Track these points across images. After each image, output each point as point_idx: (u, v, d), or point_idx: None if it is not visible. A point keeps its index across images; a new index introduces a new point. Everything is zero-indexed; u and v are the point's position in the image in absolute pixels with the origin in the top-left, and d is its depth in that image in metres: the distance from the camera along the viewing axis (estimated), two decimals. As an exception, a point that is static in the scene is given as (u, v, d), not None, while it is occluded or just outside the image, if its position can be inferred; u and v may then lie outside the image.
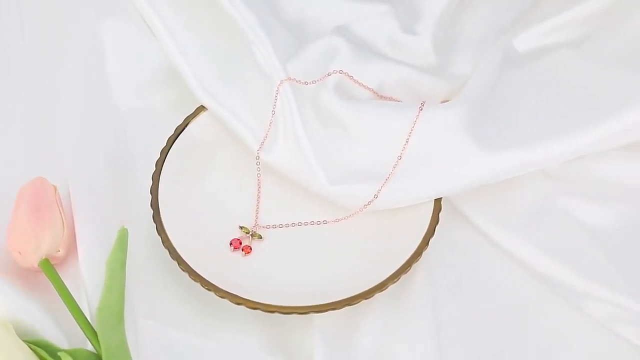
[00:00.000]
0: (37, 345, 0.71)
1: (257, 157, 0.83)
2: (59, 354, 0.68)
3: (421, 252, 0.76)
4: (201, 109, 0.86)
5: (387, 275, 0.74)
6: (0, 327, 0.70)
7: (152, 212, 0.79)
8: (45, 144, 0.86)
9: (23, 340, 0.70)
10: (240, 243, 0.80)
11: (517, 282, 0.79)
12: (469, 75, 0.86)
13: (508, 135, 0.80)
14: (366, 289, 0.74)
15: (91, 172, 0.82)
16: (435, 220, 0.78)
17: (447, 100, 0.86)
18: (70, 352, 0.69)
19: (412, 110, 0.81)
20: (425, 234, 0.77)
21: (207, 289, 0.74)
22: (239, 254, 0.80)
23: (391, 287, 0.74)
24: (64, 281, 0.74)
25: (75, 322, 0.72)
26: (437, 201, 0.79)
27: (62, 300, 0.73)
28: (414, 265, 0.75)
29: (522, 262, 0.79)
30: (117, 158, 0.86)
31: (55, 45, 0.92)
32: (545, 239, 0.79)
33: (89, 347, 0.72)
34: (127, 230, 0.72)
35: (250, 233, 0.81)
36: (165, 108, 0.90)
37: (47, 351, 0.70)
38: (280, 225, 0.81)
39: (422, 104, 0.81)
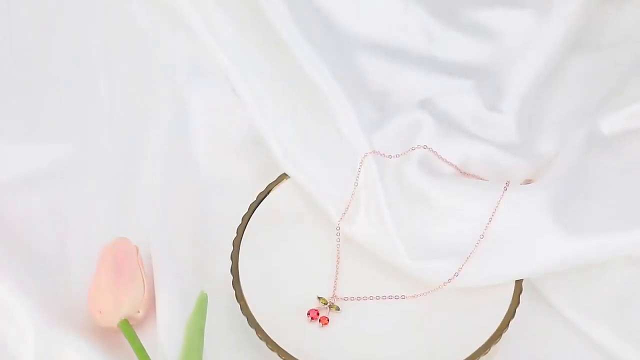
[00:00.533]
0: (114, 406, 0.71)
1: (338, 228, 0.83)
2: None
3: (501, 334, 0.75)
4: (284, 176, 0.87)
5: (466, 356, 0.73)
6: (79, 386, 0.71)
7: (232, 278, 0.79)
8: (129, 205, 0.88)
9: (100, 401, 0.71)
10: (318, 314, 0.80)
11: (598, 369, 0.78)
12: (554, 156, 0.86)
13: (593, 220, 0.79)
14: (444, 368, 0.73)
15: (173, 235, 0.83)
16: (515, 302, 0.77)
17: (530, 180, 0.85)
18: (146, 416, 0.69)
19: (496, 190, 0.80)
20: (505, 316, 0.76)
21: (284, 359, 0.74)
22: (316, 324, 0.79)
23: (469, 368, 0.74)
24: (142, 343, 0.74)
25: (152, 385, 0.72)
26: (519, 282, 0.78)
27: (139, 362, 0.73)
28: (493, 347, 0.74)
29: (605, 350, 0.78)
30: (199, 222, 0.87)
31: (142, 107, 0.93)
32: (630, 327, 0.77)
33: (165, 410, 0.72)
34: (206, 295, 0.73)
35: (328, 304, 0.80)
36: (248, 175, 0.91)
37: (123, 413, 0.71)
38: (358, 298, 0.81)
39: (507, 184, 0.81)
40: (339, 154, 0.86)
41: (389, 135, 0.86)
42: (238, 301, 0.78)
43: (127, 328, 0.75)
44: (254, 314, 0.77)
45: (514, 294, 0.78)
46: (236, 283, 0.79)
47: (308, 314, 0.80)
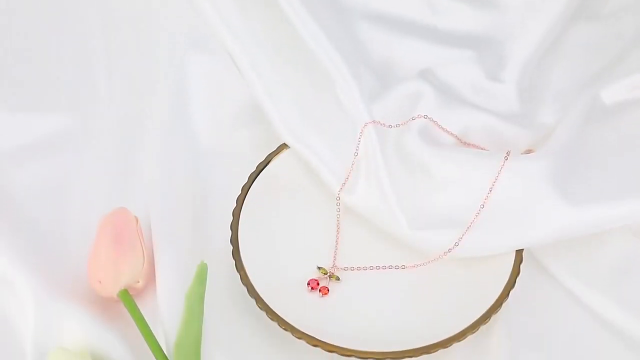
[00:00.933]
0: (114, 375, 0.71)
1: (338, 198, 0.83)
2: (137, 386, 0.68)
3: (501, 304, 0.75)
4: (283, 146, 0.86)
5: (466, 325, 0.74)
6: (79, 356, 0.70)
7: (231, 248, 0.79)
8: (128, 176, 0.87)
9: (100, 370, 0.71)
10: (318, 284, 0.80)
11: (599, 339, 0.77)
12: (554, 126, 0.86)
13: (593, 189, 0.79)
14: (444, 337, 0.73)
15: (173, 205, 0.83)
16: (516, 272, 0.77)
17: (531, 150, 0.85)
18: (146, 385, 0.69)
19: (497, 160, 0.80)
20: (506, 285, 0.76)
21: (284, 328, 0.74)
22: (316, 294, 0.79)
23: (469, 337, 0.73)
24: (142, 312, 0.74)
25: (152, 354, 0.72)
26: (519, 252, 0.78)
27: (139, 332, 0.73)
28: (493, 317, 0.74)
29: (604, 319, 0.78)
30: (199, 193, 0.86)
31: (141, 80, 0.93)
32: (629, 297, 0.77)
33: (165, 380, 0.72)
34: (206, 265, 0.73)
35: (328, 274, 0.80)
36: (247, 145, 0.90)
37: (123, 382, 0.71)
38: (358, 268, 0.81)
39: (508, 154, 0.80)
40: (339, 124, 0.85)
41: (389, 105, 0.86)
42: (238, 271, 0.77)
43: (127, 298, 0.75)
44: (253, 284, 0.77)
45: (514, 263, 0.78)
46: (236, 253, 0.79)
47: (308, 284, 0.80)
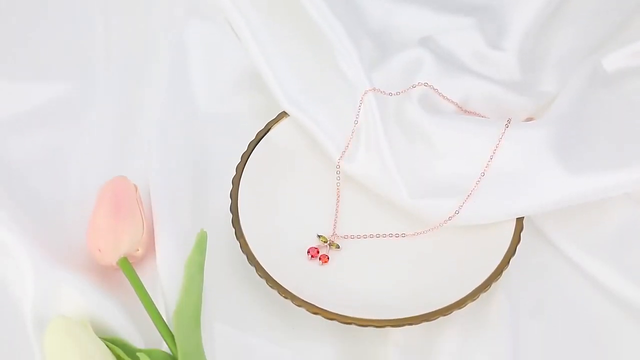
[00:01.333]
0: (114, 343, 0.71)
1: (338, 166, 0.83)
2: (137, 353, 0.68)
3: (501, 271, 0.75)
4: (283, 114, 0.86)
5: (467, 293, 0.73)
6: (78, 324, 0.70)
7: (231, 216, 0.79)
8: (128, 144, 0.87)
9: (100, 338, 0.71)
10: (318, 252, 0.80)
11: (598, 306, 0.78)
12: (556, 94, 0.85)
13: (594, 157, 0.79)
14: (444, 305, 0.73)
15: (172, 173, 0.82)
16: (516, 239, 0.77)
17: (532, 118, 0.85)
18: (147, 352, 0.69)
19: (497, 127, 0.80)
20: (506, 253, 0.76)
21: (284, 296, 0.74)
22: (316, 262, 0.79)
23: (470, 305, 0.73)
24: (141, 281, 0.74)
25: (152, 322, 0.72)
26: (519, 220, 0.78)
27: (139, 300, 0.73)
28: (493, 284, 0.74)
29: (605, 287, 0.78)
30: (198, 161, 0.86)
31: (140, 47, 0.93)
32: (629, 264, 0.77)
33: (164, 347, 0.72)
34: (206, 233, 0.73)
35: (328, 242, 0.80)
36: (247, 113, 0.90)
37: (123, 350, 0.71)
38: (358, 236, 0.81)
39: (509, 121, 0.80)
40: (339, 92, 0.85)
41: (389, 72, 0.86)
42: (238, 239, 0.77)
43: (127, 266, 0.75)
44: (253, 252, 0.76)
45: (514, 231, 0.77)
46: (236, 221, 0.78)
47: (308, 252, 0.80)
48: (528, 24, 0.91)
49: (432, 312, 0.72)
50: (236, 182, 0.81)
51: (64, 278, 0.74)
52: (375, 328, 0.73)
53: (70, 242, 0.79)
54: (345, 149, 0.83)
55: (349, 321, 0.72)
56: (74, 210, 0.82)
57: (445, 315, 0.73)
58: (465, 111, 0.85)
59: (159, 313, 0.72)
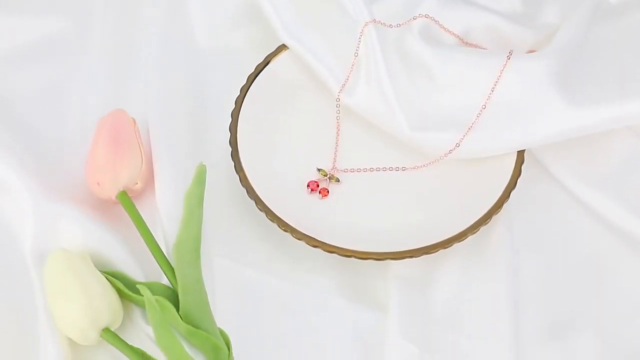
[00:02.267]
0: (114, 276, 0.71)
1: (338, 99, 0.82)
2: (137, 286, 0.68)
3: (502, 204, 0.75)
4: (282, 47, 0.85)
5: (467, 226, 0.73)
6: (78, 258, 0.71)
7: (230, 149, 0.78)
8: (126, 79, 0.87)
9: (100, 271, 0.71)
10: (318, 185, 0.79)
11: (599, 239, 0.78)
12: (558, 26, 0.84)
13: (596, 90, 0.79)
14: (445, 238, 0.73)
15: (171, 107, 0.82)
16: (517, 172, 0.77)
17: (533, 50, 0.84)
18: (146, 285, 0.69)
19: (499, 59, 0.79)
20: (507, 186, 0.76)
21: (283, 230, 0.74)
22: (316, 196, 0.79)
23: (470, 238, 0.73)
24: (141, 214, 0.74)
25: (151, 256, 0.72)
26: (520, 153, 0.78)
27: (138, 233, 0.73)
28: (494, 217, 0.74)
29: (604, 219, 0.78)
30: (197, 94, 0.86)
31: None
32: (629, 196, 0.78)
33: (164, 280, 0.72)
34: (205, 166, 0.72)
35: (328, 176, 0.80)
36: (246, 47, 0.89)
37: (123, 283, 0.71)
38: (359, 170, 0.80)
39: (510, 53, 0.79)
40: (338, 24, 0.84)
41: (390, 4, 0.84)
42: (237, 173, 0.77)
43: (126, 199, 0.75)
44: (253, 185, 0.76)
45: (515, 164, 0.77)
46: (235, 155, 0.78)
47: (308, 185, 0.79)
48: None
49: (433, 244, 0.72)
50: (235, 115, 0.81)
51: (64, 212, 0.74)
52: (375, 261, 0.73)
53: (69, 176, 0.79)
54: (345, 81, 0.82)
55: (349, 254, 0.72)
56: (72, 144, 0.82)
57: (445, 247, 0.73)
58: (467, 43, 0.84)
59: (158, 246, 0.72)
